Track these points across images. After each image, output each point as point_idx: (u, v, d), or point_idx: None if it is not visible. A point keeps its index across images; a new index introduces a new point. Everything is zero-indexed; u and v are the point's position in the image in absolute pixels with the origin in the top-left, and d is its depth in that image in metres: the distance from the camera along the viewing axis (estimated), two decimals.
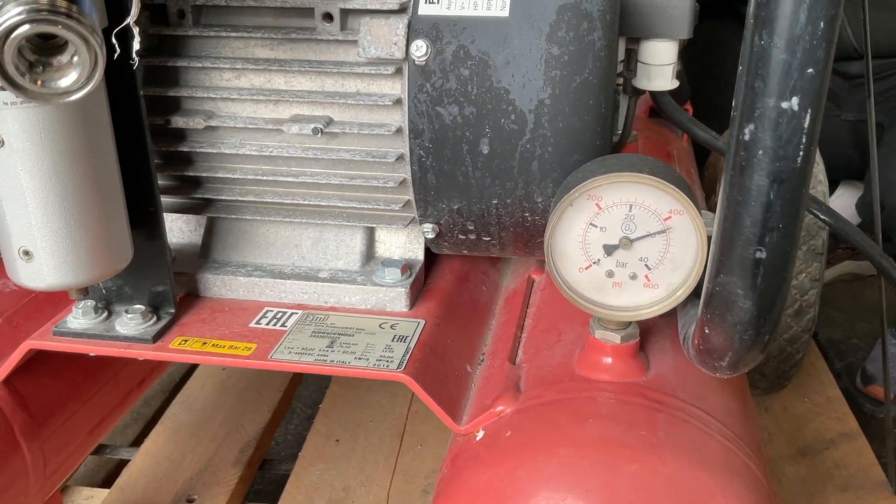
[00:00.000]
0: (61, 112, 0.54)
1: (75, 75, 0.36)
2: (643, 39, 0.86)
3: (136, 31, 0.47)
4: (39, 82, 0.36)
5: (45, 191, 0.56)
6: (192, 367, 1.42)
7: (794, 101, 0.42)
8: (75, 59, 0.36)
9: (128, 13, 0.48)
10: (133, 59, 0.48)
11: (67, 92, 0.36)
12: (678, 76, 0.90)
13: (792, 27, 0.40)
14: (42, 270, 0.58)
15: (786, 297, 0.48)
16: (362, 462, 1.20)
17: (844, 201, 1.78)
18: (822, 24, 0.40)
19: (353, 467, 1.19)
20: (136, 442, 1.31)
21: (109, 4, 0.50)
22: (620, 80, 0.92)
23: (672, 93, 1.00)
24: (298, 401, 1.45)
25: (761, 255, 0.46)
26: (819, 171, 1.20)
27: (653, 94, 0.94)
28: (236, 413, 1.29)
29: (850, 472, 1.18)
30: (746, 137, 0.43)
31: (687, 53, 0.94)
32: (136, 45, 0.48)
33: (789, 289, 0.48)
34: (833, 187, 1.88)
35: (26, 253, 0.58)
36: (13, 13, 0.33)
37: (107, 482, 1.21)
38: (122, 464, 1.23)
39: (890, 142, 1.50)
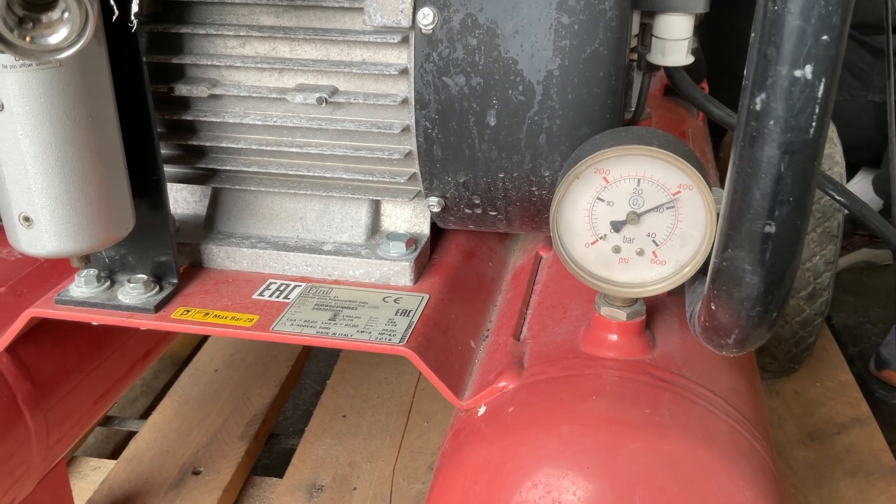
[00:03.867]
0: (62, 76, 0.53)
1: (65, 31, 0.35)
2: (658, 13, 0.85)
3: (134, 21, 0.46)
4: (29, 38, 0.35)
5: (45, 156, 0.56)
6: (201, 342, 1.42)
7: (808, 69, 0.40)
8: (66, 15, 0.35)
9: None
10: (132, 22, 0.47)
11: (58, 49, 0.36)
12: (694, 53, 0.88)
13: None
14: (42, 237, 0.58)
15: (795, 274, 0.47)
16: (368, 438, 1.20)
17: (863, 187, 1.75)
18: None
19: (360, 443, 1.19)
20: (146, 414, 1.31)
21: None
22: (634, 56, 0.91)
23: (687, 70, 0.98)
24: (306, 376, 1.45)
25: (770, 229, 0.44)
26: (837, 152, 1.18)
27: (667, 69, 0.92)
28: (244, 387, 1.29)
29: (860, 458, 1.17)
30: (758, 107, 0.42)
31: (709, 22, 0.92)
32: (134, 7, 0.47)
33: (799, 265, 0.47)
34: (853, 171, 1.85)
35: (26, 219, 0.57)
36: None
37: (115, 454, 1.22)
38: (130, 435, 1.24)
39: None
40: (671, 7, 0.83)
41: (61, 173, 0.56)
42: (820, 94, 0.41)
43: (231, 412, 1.23)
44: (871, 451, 1.18)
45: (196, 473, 1.11)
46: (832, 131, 1.20)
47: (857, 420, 1.25)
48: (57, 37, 0.36)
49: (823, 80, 0.41)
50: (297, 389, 1.41)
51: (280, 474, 1.14)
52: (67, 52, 0.36)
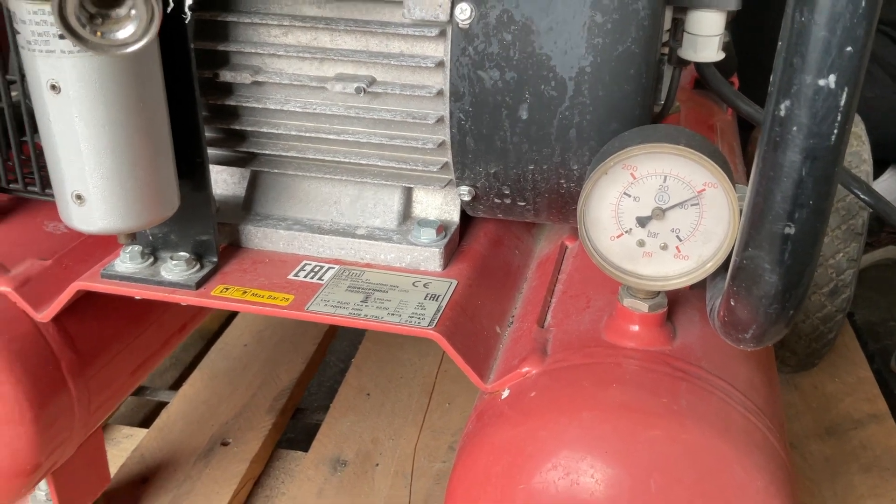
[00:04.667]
0: (116, 62, 0.55)
1: (132, 28, 0.38)
2: (690, 9, 0.86)
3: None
4: (99, 33, 0.38)
5: (98, 138, 0.58)
6: (231, 317, 1.46)
7: (832, 78, 0.42)
8: (133, 12, 0.37)
9: None
10: (185, 14, 0.49)
11: (125, 44, 0.38)
12: (725, 48, 0.89)
13: (833, 5, 0.40)
14: (93, 215, 0.61)
15: (813, 274, 0.49)
16: (391, 416, 1.23)
17: (891, 185, 1.75)
18: (863, 2, 0.40)
19: (383, 421, 1.22)
20: (174, 385, 1.36)
21: None
22: (665, 50, 0.92)
23: (718, 65, 0.99)
24: (332, 354, 1.49)
25: (790, 230, 0.46)
26: (864, 150, 1.18)
27: (698, 65, 0.93)
28: (272, 363, 1.33)
29: (875, 454, 1.18)
30: (782, 113, 0.44)
31: (741, 17, 0.93)
32: (188, 0, 0.49)
33: (816, 266, 0.49)
34: (882, 168, 1.85)
35: (79, 197, 0.60)
36: None
37: (144, 422, 1.26)
38: (160, 405, 1.28)
39: None
40: (704, 3, 0.84)
41: (113, 155, 0.59)
42: (842, 102, 0.42)
43: (259, 386, 1.27)
44: (886, 448, 1.19)
45: (224, 444, 1.15)
46: (861, 129, 1.21)
47: (874, 416, 1.26)
48: (125, 32, 0.38)
49: (846, 89, 0.42)
50: (323, 366, 1.45)
51: (305, 448, 1.18)
52: (134, 47, 0.39)
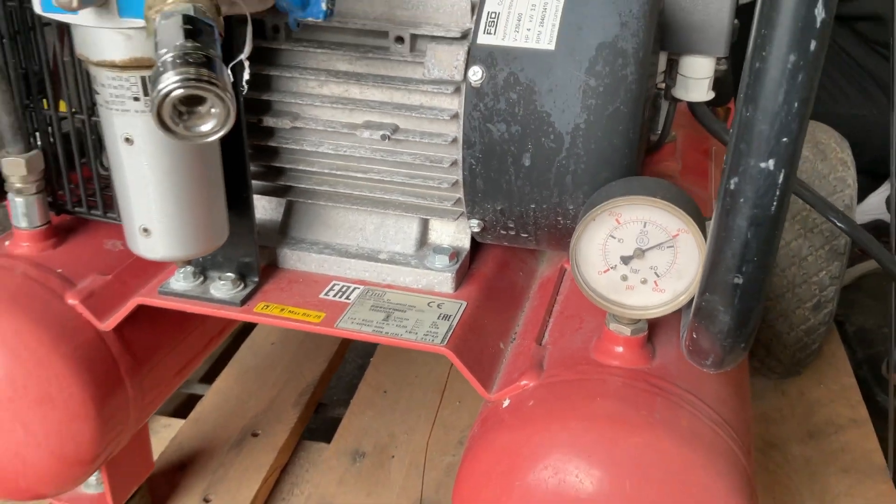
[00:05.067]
0: None
1: (213, 122, 0.48)
2: (683, 55, 0.96)
3: (246, 65, 0.59)
4: (186, 128, 0.48)
5: (163, 182, 0.69)
6: None
7: (771, 162, 0.52)
8: (213, 110, 0.47)
9: (241, 51, 0.60)
10: (243, 87, 0.59)
11: (207, 134, 0.48)
12: (724, 76, 0.98)
13: (772, 105, 0.50)
14: (156, 245, 0.72)
15: (760, 315, 0.59)
16: (406, 412, 1.34)
17: (883, 199, 1.83)
18: (796, 104, 0.50)
19: (398, 417, 1.33)
20: (205, 379, 1.46)
21: (225, 41, 0.62)
22: (662, 86, 1.02)
23: (717, 90, 1.07)
24: (350, 352, 1.59)
25: (739, 280, 0.56)
26: (849, 175, 1.27)
27: (690, 103, 1.03)
28: (297, 361, 1.44)
29: (853, 457, 1.28)
30: (732, 188, 0.53)
31: (740, 46, 1.02)
32: (246, 76, 0.59)
33: (762, 309, 0.58)
34: (881, 181, 1.93)
35: (145, 230, 0.71)
36: (170, 81, 0.45)
37: (176, 413, 1.37)
38: (192, 398, 1.39)
39: None
40: (694, 50, 0.94)
41: (175, 196, 0.70)
42: (780, 181, 0.52)
43: (285, 382, 1.38)
44: (864, 452, 1.29)
45: (255, 435, 1.26)
46: (847, 155, 1.29)
47: (854, 421, 1.35)
48: (207, 126, 0.48)
49: (783, 170, 0.52)
50: (342, 364, 1.56)
51: (327, 440, 1.29)
52: (214, 137, 0.49)
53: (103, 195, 0.89)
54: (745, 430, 0.76)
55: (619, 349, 0.74)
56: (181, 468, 1.21)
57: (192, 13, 0.48)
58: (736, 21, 0.93)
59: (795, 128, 0.51)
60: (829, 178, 1.25)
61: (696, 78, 0.96)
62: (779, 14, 0.48)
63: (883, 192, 1.88)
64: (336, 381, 1.53)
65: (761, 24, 0.49)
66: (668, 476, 0.68)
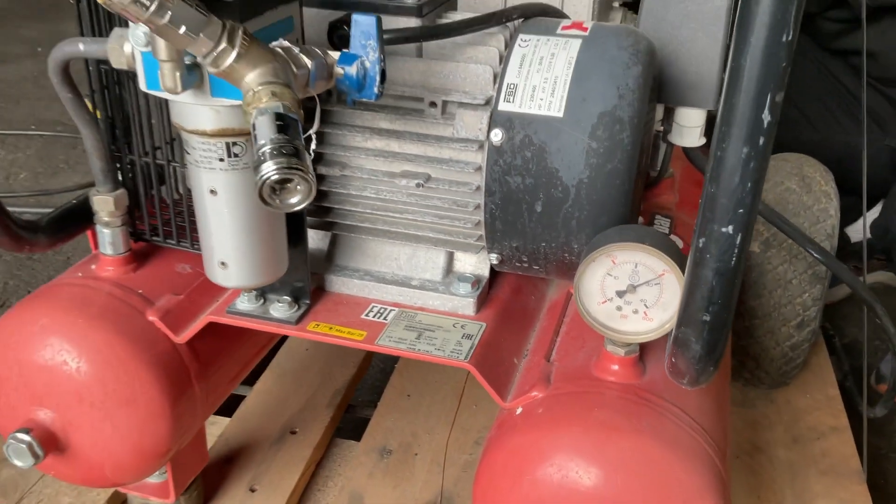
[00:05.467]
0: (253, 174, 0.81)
1: (299, 196, 0.62)
2: (678, 106, 1.10)
3: (314, 138, 0.73)
4: (278, 201, 0.62)
5: (239, 225, 0.84)
6: None
7: (730, 227, 0.66)
8: (299, 187, 0.62)
9: (311, 126, 0.74)
10: (311, 152, 0.73)
11: (294, 205, 0.62)
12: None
13: (730, 184, 0.64)
14: (232, 276, 0.86)
15: (725, 345, 0.73)
16: (427, 414, 1.48)
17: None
18: (749, 183, 0.64)
19: (420, 418, 1.47)
20: (246, 381, 1.60)
21: None
22: (661, 129, 1.16)
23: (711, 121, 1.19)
24: (375, 357, 1.74)
25: (707, 318, 0.70)
26: (832, 206, 1.40)
27: (684, 147, 1.16)
28: (329, 365, 1.58)
29: (832, 461, 1.41)
30: (700, 246, 0.68)
31: None
32: (313, 145, 0.74)
33: (727, 340, 0.72)
34: (872, 203, 2.05)
35: (223, 263, 0.86)
36: (269, 169, 0.59)
37: (222, 412, 1.51)
38: (236, 398, 1.54)
39: None
40: (687, 103, 1.08)
41: (248, 236, 0.85)
42: (738, 242, 0.66)
43: (319, 385, 1.53)
44: (842, 456, 1.42)
45: (293, 433, 1.41)
46: (830, 188, 1.42)
47: (835, 429, 1.48)
48: (294, 199, 0.62)
49: (740, 234, 0.66)
50: (368, 369, 1.71)
51: (357, 438, 1.43)
52: (299, 207, 0.63)
53: (174, 225, 1.04)
54: (721, 437, 0.90)
55: (615, 367, 0.88)
56: (228, 461, 1.36)
57: (281, 110, 0.63)
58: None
59: (749, 202, 0.65)
60: (813, 209, 1.38)
61: (690, 126, 1.11)
62: (735, 116, 0.62)
63: (874, 213, 2.01)
64: (362, 385, 1.68)
65: (722, 122, 0.63)
66: (652, 473, 0.82)
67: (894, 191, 1.61)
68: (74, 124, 0.93)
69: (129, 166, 1.02)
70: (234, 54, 0.64)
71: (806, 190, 1.41)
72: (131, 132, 1.00)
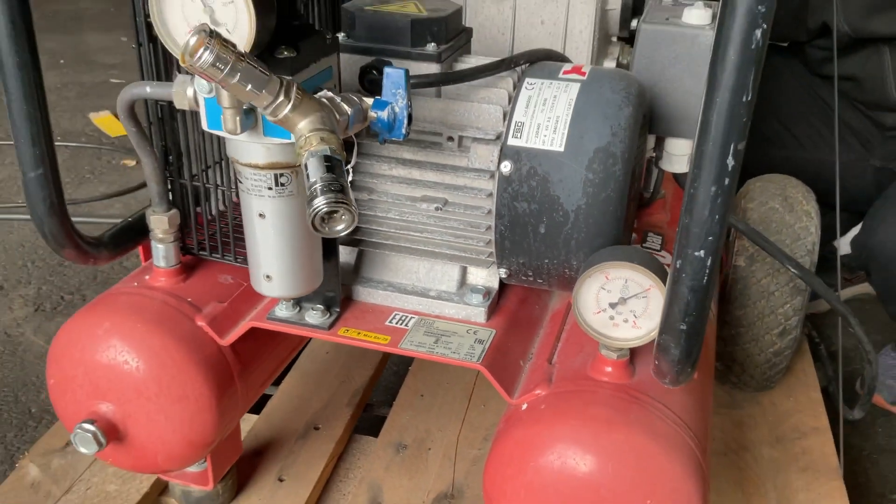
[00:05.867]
0: (296, 200, 0.94)
1: (344, 224, 0.75)
2: (667, 137, 1.23)
3: (350, 172, 0.87)
4: (327, 229, 0.75)
5: (283, 243, 0.97)
6: None
7: (702, 251, 0.78)
8: (343, 217, 0.74)
9: (350, 158, 0.87)
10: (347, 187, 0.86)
11: (340, 231, 0.75)
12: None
13: (701, 216, 0.77)
14: (275, 287, 1.00)
15: (700, 350, 0.85)
16: (439, 413, 1.61)
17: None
18: (717, 216, 0.77)
19: (433, 416, 1.60)
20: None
21: None
22: (653, 156, 1.29)
23: None
24: (390, 361, 1.87)
25: (683, 327, 0.83)
26: (812, 224, 1.53)
27: (673, 173, 1.29)
28: (348, 367, 1.71)
29: (812, 458, 1.53)
30: (677, 266, 0.80)
31: None
32: (349, 178, 0.87)
33: (701, 346, 0.85)
34: (857, 219, 2.17)
35: (268, 276, 0.99)
36: (320, 203, 0.72)
37: (249, 410, 1.64)
38: (263, 397, 1.66)
39: (894, 189, 1.79)
40: (676, 134, 1.21)
41: (291, 253, 0.98)
42: (708, 263, 0.79)
43: (339, 385, 1.66)
44: (821, 454, 1.54)
45: (316, 429, 1.54)
46: (811, 207, 1.55)
47: (816, 429, 1.60)
48: (339, 227, 0.75)
49: (710, 257, 0.79)
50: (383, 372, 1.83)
51: (374, 434, 1.56)
52: (344, 234, 0.76)
53: (221, 241, 1.17)
54: (703, 432, 1.03)
55: (608, 369, 1.00)
56: (258, 454, 1.49)
57: (328, 153, 0.76)
58: None
59: (717, 231, 0.78)
60: (794, 227, 1.51)
61: (678, 154, 1.24)
62: (705, 161, 0.75)
63: (857, 229, 2.13)
64: (377, 386, 1.80)
65: (694, 165, 0.76)
66: (639, 462, 0.95)
67: (874, 208, 1.73)
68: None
69: (181, 189, 1.16)
70: (289, 106, 0.77)
71: (788, 209, 1.53)
72: (181, 159, 1.13)
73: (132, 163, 2.98)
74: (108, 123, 3.27)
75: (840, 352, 1.50)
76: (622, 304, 0.96)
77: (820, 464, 1.52)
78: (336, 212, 0.74)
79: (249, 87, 0.75)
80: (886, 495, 1.67)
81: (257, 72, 0.74)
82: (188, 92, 0.90)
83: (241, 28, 0.77)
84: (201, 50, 0.70)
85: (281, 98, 0.77)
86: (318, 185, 0.73)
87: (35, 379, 1.90)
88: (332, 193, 0.73)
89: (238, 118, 0.83)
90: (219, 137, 1.11)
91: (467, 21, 1.35)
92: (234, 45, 0.72)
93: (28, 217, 2.88)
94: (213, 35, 0.70)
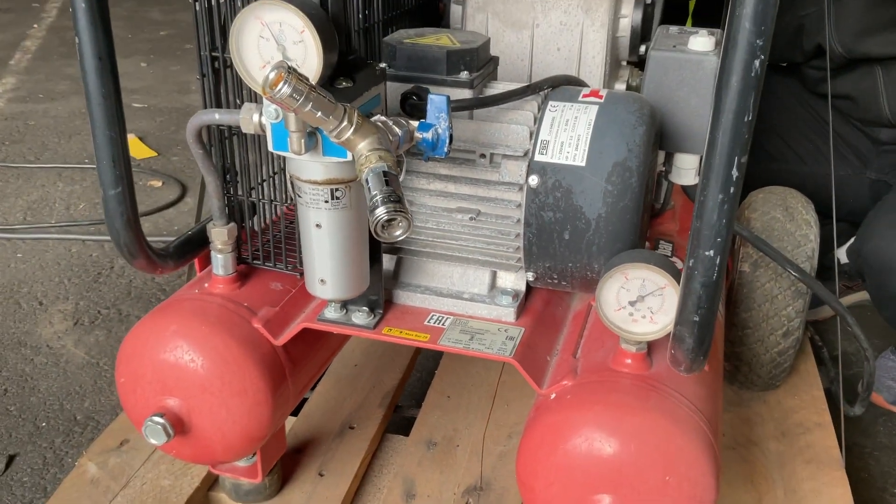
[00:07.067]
0: (350, 212, 1.06)
1: (401, 230, 0.87)
2: (676, 152, 1.34)
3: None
4: (387, 234, 0.87)
5: (336, 251, 1.09)
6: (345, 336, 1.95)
7: (711, 251, 0.90)
8: (400, 224, 0.86)
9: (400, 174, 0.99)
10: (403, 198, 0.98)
11: (398, 237, 0.87)
12: None
13: (711, 220, 0.88)
14: (328, 291, 1.11)
15: (711, 341, 0.97)
16: (466, 413, 1.71)
17: None
18: (724, 220, 0.88)
19: (460, 416, 1.70)
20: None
21: None
22: (663, 170, 1.41)
23: None
24: (416, 367, 1.98)
25: (696, 318, 0.94)
26: (811, 233, 1.64)
27: (682, 185, 1.41)
28: (378, 371, 1.82)
29: (815, 451, 1.63)
30: (690, 265, 0.92)
31: None
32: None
33: (712, 336, 0.96)
34: (856, 230, 2.28)
35: (322, 281, 1.11)
36: (381, 213, 0.84)
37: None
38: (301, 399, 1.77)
39: (887, 200, 1.91)
40: (682, 150, 1.33)
41: (343, 258, 1.09)
42: (717, 262, 0.90)
43: (371, 388, 1.77)
44: (825, 448, 1.64)
45: (351, 428, 1.65)
46: (811, 216, 1.66)
47: (819, 425, 1.70)
48: (397, 232, 0.86)
49: (719, 256, 0.90)
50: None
51: (405, 433, 1.67)
52: (401, 238, 0.88)
53: (271, 249, 1.29)
54: (714, 417, 1.14)
55: (628, 361, 1.12)
56: (299, 451, 1.59)
57: (386, 169, 0.88)
58: None
59: (724, 233, 0.89)
60: (795, 234, 1.62)
61: (686, 168, 1.36)
62: (712, 172, 0.86)
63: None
64: (404, 390, 1.91)
65: (703, 176, 0.87)
66: (658, 443, 1.06)
67: (868, 218, 1.84)
68: None
69: (239, 203, 1.28)
70: (351, 129, 0.89)
71: (789, 218, 1.65)
72: (238, 176, 1.25)
73: (158, 184, 3.12)
74: (134, 146, 3.41)
75: (840, 356, 1.60)
76: (640, 302, 1.08)
77: (823, 456, 1.62)
78: (394, 219, 0.86)
79: (319, 114, 0.87)
80: (888, 489, 1.77)
81: (325, 101, 0.87)
82: (254, 118, 1.02)
83: (310, 63, 0.90)
84: (281, 83, 0.82)
85: (345, 123, 0.89)
86: (378, 197, 0.85)
87: (78, 388, 2.02)
88: (391, 204, 0.85)
89: (303, 140, 0.95)
90: (271, 157, 1.23)
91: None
92: (307, 79, 0.84)
93: (61, 236, 3.00)
94: (290, 71, 0.82)
